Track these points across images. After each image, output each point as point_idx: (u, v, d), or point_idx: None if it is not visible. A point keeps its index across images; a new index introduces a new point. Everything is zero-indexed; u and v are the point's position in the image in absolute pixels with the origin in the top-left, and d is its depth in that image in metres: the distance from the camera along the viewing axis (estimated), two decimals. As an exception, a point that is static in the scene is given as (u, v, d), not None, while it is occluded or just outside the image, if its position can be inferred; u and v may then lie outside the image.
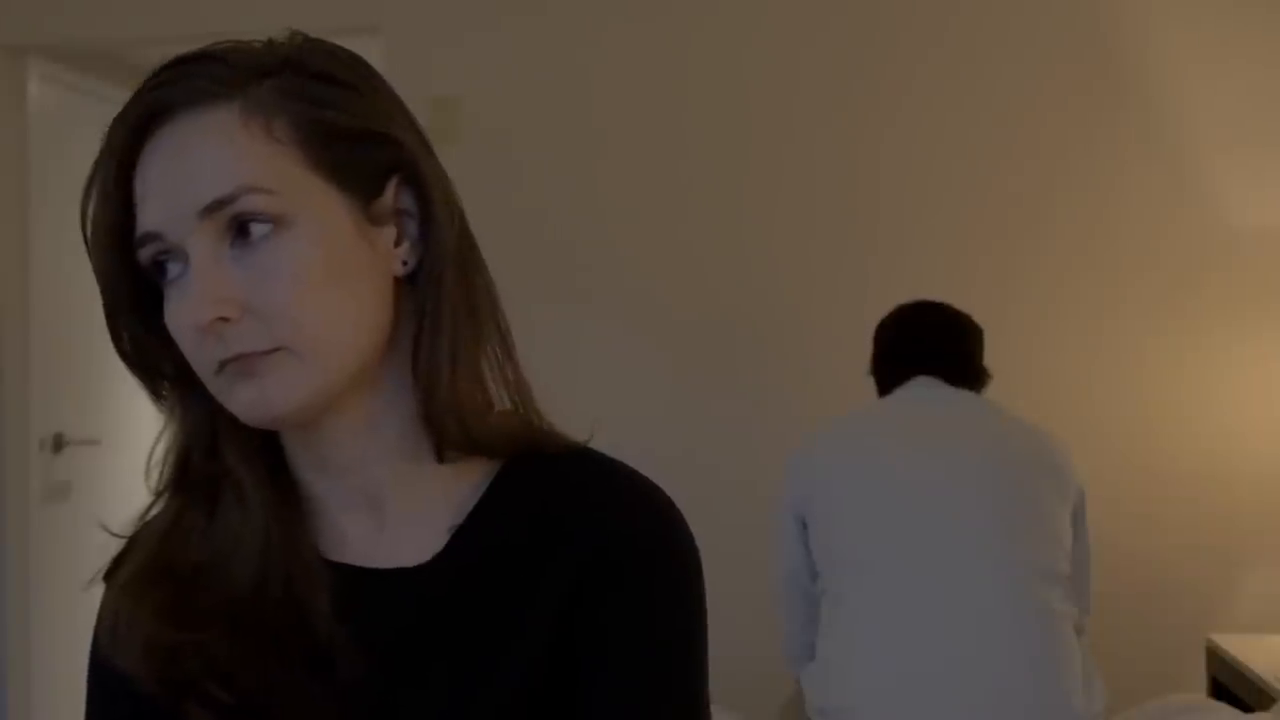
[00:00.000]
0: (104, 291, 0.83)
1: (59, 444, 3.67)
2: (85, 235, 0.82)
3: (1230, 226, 3.00)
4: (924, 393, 2.25)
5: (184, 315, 0.78)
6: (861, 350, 2.44)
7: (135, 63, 3.74)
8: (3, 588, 3.52)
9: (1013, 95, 3.09)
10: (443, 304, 0.83)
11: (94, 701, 0.90)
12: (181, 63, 0.81)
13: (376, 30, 3.28)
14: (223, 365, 0.79)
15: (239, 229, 0.79)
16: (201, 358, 0.80)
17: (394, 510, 0.86)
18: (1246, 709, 2.29)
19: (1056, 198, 3.07)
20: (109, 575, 0.88)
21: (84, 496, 3.68)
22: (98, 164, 0.82)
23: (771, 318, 3.15)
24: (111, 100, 3.50)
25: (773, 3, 3.18)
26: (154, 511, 0.87)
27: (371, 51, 3.18)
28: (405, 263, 0.84)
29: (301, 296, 0.78)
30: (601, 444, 0.90)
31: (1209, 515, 2.99)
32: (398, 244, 0.84)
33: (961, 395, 2.25)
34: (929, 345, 2.31)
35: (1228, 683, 2.59)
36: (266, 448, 0.87)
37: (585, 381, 3.10)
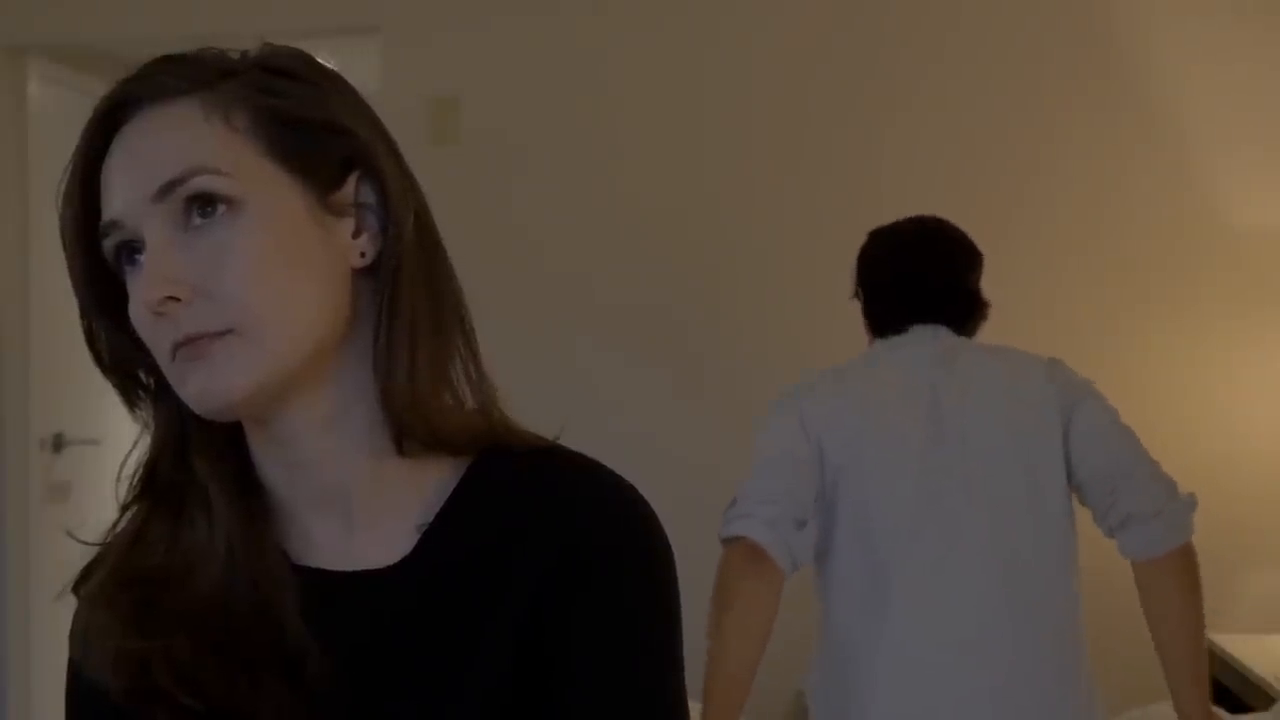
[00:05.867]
0: (77, 293, 0.84)
1: (59, 444, 3.67)
2: (63, 237, 0.84)
3: (1230, 226, 3.00)
4: (928, 351, 2.06)
5: (137, 296, 0.80)
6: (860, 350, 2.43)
7: (135, 63, 3.72)
8: (3, 588, 3.52)
9: (1012, 95, 3.09)
10: (401, 295, 0.84)
11: (72, 714, 0.90)
12: (150, 64, 0.84)
13: (376, 30, 3.28)
14: (175, 350, 0.80)
15: (192, 212, 0.80)
16: (157, 342, 0.81)
17: (360, 510, 0.86)
18: (1246, 709, 2.29)
19: (1056, 198, 3.07)
20: (78, 586, 0.87)
21: (84, 496, 3.67)
22: (69, 164, 0.83)
23: (776, 320, 3.14)
24: (111, 100, 3.49)
25: (776, 2, 3.19)
26: (124, 521, 0.87)
27: (371, 51, 3.19)
28: (363, 254, 0.84)
29: (251, 278, 0.79)
30: (599, 443, 0.90)
31: (1209, 516, 2.95)
32: (356, 235, 0.84)
33: (972, 362, 2.07)
34: (927, 283, 2.11)
35: (1228, 683, 2.59)
36: (235, 453, 0.87)
37: (585, 380, 3.10)
